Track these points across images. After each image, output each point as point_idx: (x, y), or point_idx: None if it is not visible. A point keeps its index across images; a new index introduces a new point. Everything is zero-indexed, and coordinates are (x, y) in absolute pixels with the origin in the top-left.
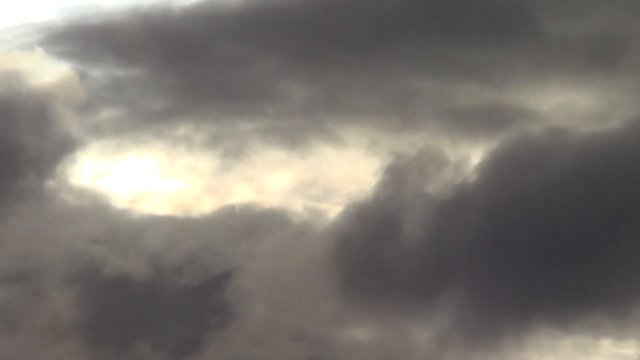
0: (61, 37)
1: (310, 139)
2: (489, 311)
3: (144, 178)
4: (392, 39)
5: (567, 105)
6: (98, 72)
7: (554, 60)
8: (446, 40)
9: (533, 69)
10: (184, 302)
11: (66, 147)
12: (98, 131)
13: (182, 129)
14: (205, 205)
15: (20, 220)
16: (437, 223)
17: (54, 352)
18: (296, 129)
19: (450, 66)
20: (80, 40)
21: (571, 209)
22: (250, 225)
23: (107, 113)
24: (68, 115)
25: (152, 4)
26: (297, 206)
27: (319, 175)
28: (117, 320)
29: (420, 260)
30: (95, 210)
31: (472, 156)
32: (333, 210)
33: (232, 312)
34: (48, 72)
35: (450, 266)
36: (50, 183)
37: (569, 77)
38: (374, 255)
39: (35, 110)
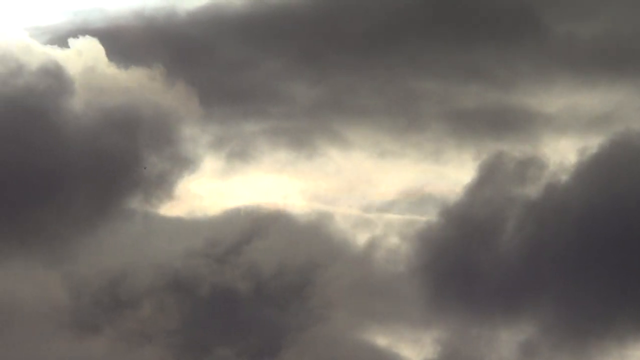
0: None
1: (316, 141)
2: (575, 318)
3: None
4: (398, 41)
5: (572, 107)
6: None
7: (560, 62)
8: (452, 42)
9: (539, 70)
10: (266, 306)
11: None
12: None
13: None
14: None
15: (122, 231)
16: (529, 229)
17: (139, 355)
18: (302, 131)
19: (455, 68)
20: None
21: None
22: (330, 231)
23: None
24: (185, 132)
25: (156, 8)
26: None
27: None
28: (202, 325)
29: (509, 266)
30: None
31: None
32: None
33: (313, 315)
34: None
35: (539, 272)
36: (151, 198)
37: (575, 78)
38: (463, 261)
39: (150, 125)
